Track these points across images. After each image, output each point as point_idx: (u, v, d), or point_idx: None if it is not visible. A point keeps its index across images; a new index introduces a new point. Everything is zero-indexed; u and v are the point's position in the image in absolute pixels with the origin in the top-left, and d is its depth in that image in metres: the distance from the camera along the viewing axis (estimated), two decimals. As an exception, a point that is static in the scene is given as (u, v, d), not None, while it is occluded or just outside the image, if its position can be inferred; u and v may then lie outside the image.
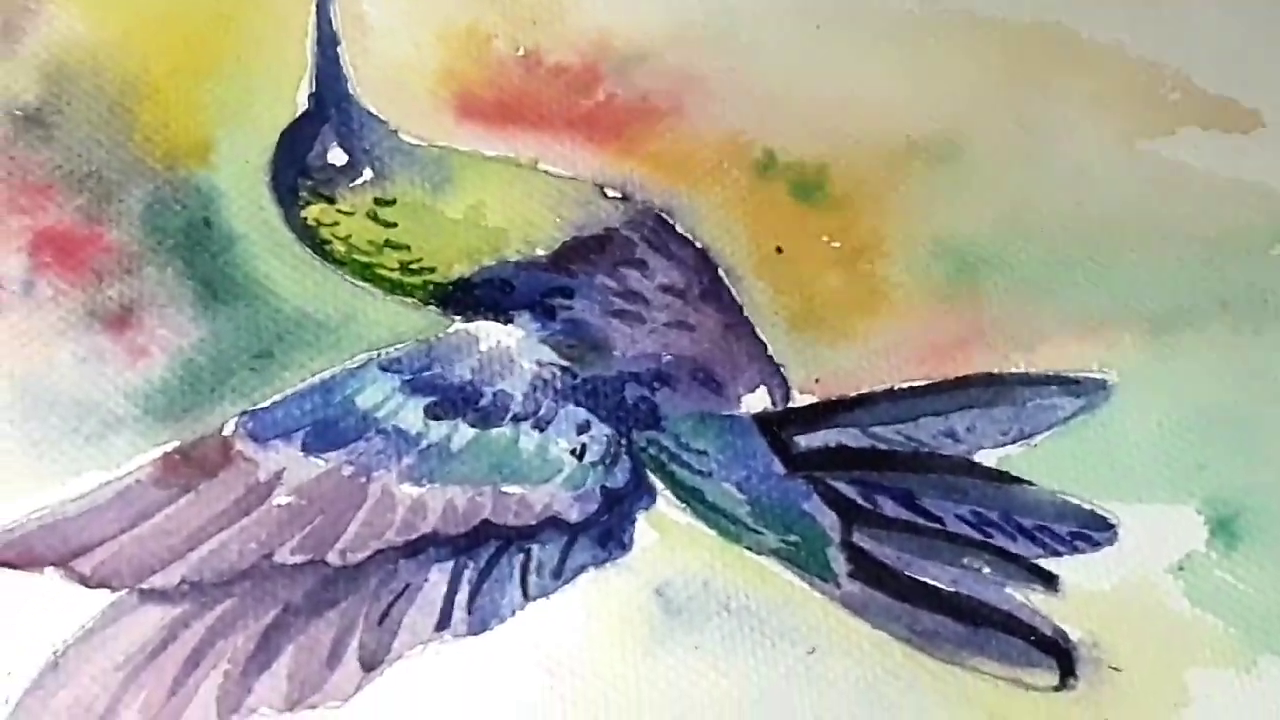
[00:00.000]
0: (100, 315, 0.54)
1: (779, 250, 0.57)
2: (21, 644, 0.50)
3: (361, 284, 0.56)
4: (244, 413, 0.53)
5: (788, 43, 0.61)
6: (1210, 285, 0.58)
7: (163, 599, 0.51)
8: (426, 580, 0.52)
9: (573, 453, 0.54)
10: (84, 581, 0.51)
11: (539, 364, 0.55)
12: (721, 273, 0.57)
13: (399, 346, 0.55)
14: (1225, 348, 0.57)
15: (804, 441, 0.55)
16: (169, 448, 0.53)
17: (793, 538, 0.53)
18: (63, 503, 0.52)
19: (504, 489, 0.53)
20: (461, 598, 0.52)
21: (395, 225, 0.56)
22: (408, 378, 0.54)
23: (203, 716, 0.50)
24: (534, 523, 0.53)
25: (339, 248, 0.56)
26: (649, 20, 0.61)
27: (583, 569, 0.53)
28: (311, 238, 0.56)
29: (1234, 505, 0.55)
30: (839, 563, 0.53)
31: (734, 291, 0.57)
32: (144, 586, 0.51)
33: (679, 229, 0.57)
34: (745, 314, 0.56)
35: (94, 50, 0.58)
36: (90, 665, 0.50)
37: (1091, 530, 0.54)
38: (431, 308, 0.56)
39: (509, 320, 0.55)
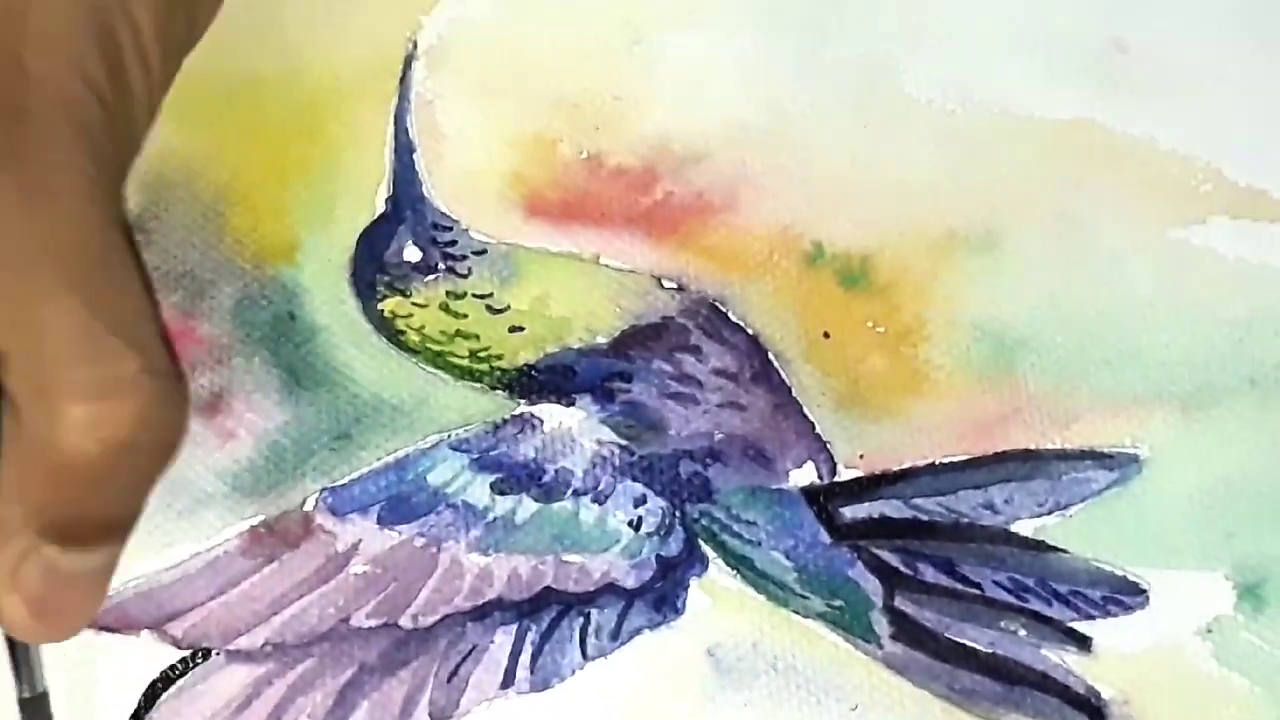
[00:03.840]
0: (193, 402, 0.55)
1: (826, 335, 0.59)
2: (120, 700, 0.52)
3: (433, 371, 0.58)
4: (324, 489, 0.55)
5: (836, 141, 0.62)
6: (1239, 364, 0.59)
7: (248, 659, 0.53)
8: (492, 642, 0.54)
9: (630, 524, 0.56)
10: (176, 644, 0.53)
11: (599, 443, 0.57)
12: (771, 357, 0.59)
13: (468, 428, 0.57)
14: (1253, 423, 0.58)
15: (849, 512, 0.56)
16: (255, 521, 0.55)
17: (837, 602, 0.55)
18: (158, 572, 0.54)
19: (565, 558, 0.55)
20: (525, 658, 0.53)
21: (466, 316, 0.59)
22: (476, 456, 0.56)
23: (285, 769, 0.52)
24: (593, 589, 0.55)
25: (413, 338, 0.58)
26: (704, 124, 0.63)
27: (639, 631, 0.54)
28: (388, 329, 0.58)
29: (1261, 571, 0.56)
30: (882, 625, 0.55)
31: (783, 374, 0.58)
32: (231, 648, 0.53)
33: (731, 317, 0.59)
34: (794, 395, 0.58)
35: (188, 161, 0.60)
36: (181, 719, 0.52)
37: (1123, 595, 0.55)
38: (499, 392, 0.58)
39: (571, 403, 0.57)
